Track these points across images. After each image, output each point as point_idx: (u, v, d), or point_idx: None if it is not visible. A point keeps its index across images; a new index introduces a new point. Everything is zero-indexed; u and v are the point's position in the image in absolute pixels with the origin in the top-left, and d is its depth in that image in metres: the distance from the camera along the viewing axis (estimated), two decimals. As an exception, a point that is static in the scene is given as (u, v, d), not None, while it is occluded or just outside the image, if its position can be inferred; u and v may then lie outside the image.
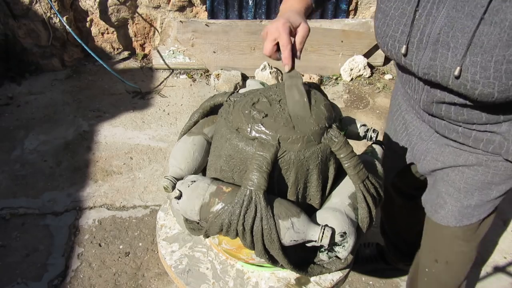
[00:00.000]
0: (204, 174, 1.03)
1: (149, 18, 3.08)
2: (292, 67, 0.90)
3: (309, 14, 1.02)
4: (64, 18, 2.73)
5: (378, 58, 3.14)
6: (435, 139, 1.10)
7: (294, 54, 0.90)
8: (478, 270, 1.83)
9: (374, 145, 1.08)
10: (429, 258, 1.27)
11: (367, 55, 3.09)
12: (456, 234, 1.15)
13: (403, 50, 0.89)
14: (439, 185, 1.13)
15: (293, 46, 0.89)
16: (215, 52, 2.97)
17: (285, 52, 0.88)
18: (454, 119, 0.97)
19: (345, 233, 0.83)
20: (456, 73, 0.80)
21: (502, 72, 0.76)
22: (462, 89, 0.83)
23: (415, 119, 1.15)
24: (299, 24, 0.90)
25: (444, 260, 1.23)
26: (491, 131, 0.96)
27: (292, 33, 0.89)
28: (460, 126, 0.99)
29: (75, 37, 2.72)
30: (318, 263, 0.96)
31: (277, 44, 0.89)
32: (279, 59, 0.92)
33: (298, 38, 0.90)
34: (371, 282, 1.77)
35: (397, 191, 1.41)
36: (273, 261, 0.87)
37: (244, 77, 2.96)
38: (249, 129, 0.85)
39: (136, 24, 3.09)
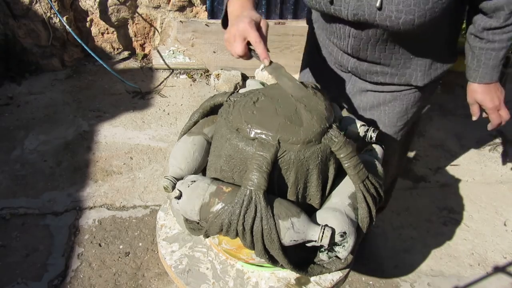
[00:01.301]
0: (204, 174, 1.03)
1: (149, 18, 3.08)
2: (271, 61, 0.94)
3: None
4: (64, 18, 2.73)
5: (378, 58, 3.14)
6: (354, 90, 1.27)
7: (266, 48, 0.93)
8: (478, 270, 1.84)
9: (374, 145, 1.08)
10: None
11: (367, 55, 3.09)
12: None
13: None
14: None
15: (264, 42, 0.92)
16: (215, 52, 2.97)
17: (260, 48, 0.90)
18: (376, 58, 1.12)
19: (345, 233, 0.83)
20: (378, 4, 0.92)
21: None
22: (388, 21, 0.95)
23: (335, 73, 1.28)
24: (260, 20, 0.92)
25: None
26: (404, 67, 1.15)
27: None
28: (380, 64, 1.15)
29: (75, 37, 2.72)
30: (318, 263, 0.96)
31: (247, 43, 0.92)
32: (250, 57, 0.95)
33: (264, 31, 0.92)
34: (371, 282, 1.77)
35: None
36: (273, 261, 0.87)
37: (244, 77, 2.96)
38: (249, 129, 0.85)
39: (136, 24, 3.09)
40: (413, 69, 1.16)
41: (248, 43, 0.92)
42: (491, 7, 1.00)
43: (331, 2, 1.00)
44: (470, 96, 1.18)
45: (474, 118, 1.22)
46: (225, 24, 1.03)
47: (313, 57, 1.35)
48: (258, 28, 0.91)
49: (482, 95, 1.14)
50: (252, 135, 0.85)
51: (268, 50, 0.92)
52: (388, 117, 1.28)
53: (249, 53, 0.94)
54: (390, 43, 1.07)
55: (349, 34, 1.09)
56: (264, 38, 0.92)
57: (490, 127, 1.19)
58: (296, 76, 1.32)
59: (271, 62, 0.94)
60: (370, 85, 1.24)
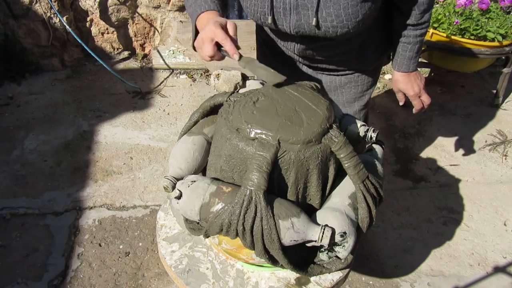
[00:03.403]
0: (204, 174, 1.03)
1: (149, 18, 3.08)
2: (241, 55, 0.97)
3: None
4: (64, 18, 2.73)
5: (378, 58, 3.14)
6: (310, 71, 1.34)
7: (236, 46, 0.97)
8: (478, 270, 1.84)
9: (374, 145, 1.08)
10: None
11: (367, 55, 3.09)
12: None
13: (269, 20, 1.09)
14: None
15: (232, 40, 0.96)
16: (215, 52, 2.96)
17: (227, 45, 0.95)
18: (322, 55, 1.24)
19: (345, 233, 0.83)
20: (314, 23, 1.04)
21: (350, 14, 1.02)
22: (327, 34, 1.07)
23: (287, 64, 1.36)
24: (225, 22, 0.98)
25: None
26: (348, 57, 1.25)
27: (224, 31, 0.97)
28: (326, 58, 1.25)
29: (75, 37, 2.72)
30: (318, 263, 0.96)
31: (216, 44, 0.97)
32: (222, 57, 0.99)
33: (232, 32, 0.98)
34: (371, 282, 1.77)
35: None
36: (273, 261, 0.87)
37: (244, 77, 2.96)
38: (249, 129, 0.85)
39: (136, 24, 3.09)
40: (360, 58, 1.27)
41: (219, 44, 0.97)
42: (407, 8, 1.15)
43: (275, 24, 1.10)
44: (394, 85, 1.31)
45: (401, 103, 1.34)
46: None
47: (263, 52, 1.43)
48: (225, 29, 0.97)
49: (403, 84, 1.27)
50: (252, 135, 0.85)
51: (238, 48, 0.97)
52: (346, 98, 1.37)
53: (220, 53, 0.98)
54: (333, 45, 1.19)
55: (294, 40, 1.19)
56: (231, 36, 0.96)
57: (414, 111, 1.32)
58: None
59: (241, 57, 0.97)
60: (325, 70, 1.34)
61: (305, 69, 1.36)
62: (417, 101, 1.29)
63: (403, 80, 1.27)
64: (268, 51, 1.40)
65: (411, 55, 1.23)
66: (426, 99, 1.29)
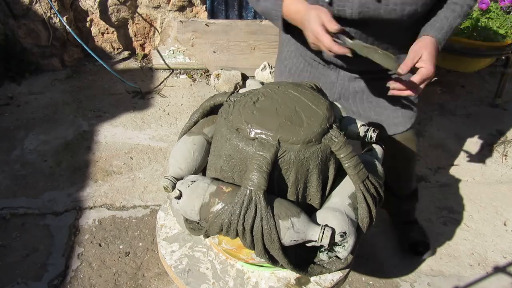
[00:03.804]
0: (204, 174, 1.03)
1: (149, 18, 3.08)
2: (349, 46, 1.00)
3: None
4: (64, 18, 2.73)
5: (378, 58, 3.13)
6: (343, 78, 1.28)
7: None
8: (478, 270, 1.84)
9: (374, 145, 1.08)
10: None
11: (367, 55, 3.08)
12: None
13: (327, 0, 1.03)
14: (369, 113, 1.33)
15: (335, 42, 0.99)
16: (215, 52, 2.97)
17: (334, 50, 0.98)
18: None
19: (345, 233, 0.84)
20: None
21: None
22: (393, 13, 1.00)
23: (321, 69, 1.31)
24: (322, 22, 0.98)
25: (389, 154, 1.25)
26: (399, 55, 1.13)
27: None
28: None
29: (75, 37, 2.72)
30: (318, 263, 0.96)
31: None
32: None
33: (332, 27, 0.98)
34: (371, 282, 1.77)
35: None
36: (273, 261, 0.87)
37: (244, 77, 2.96)
38: (249, 129, 0.85)
39: (136, 24, 3.09)
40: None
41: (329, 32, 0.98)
42: None
43: (330, 3, 1.03)
44: (417, 49, 1.04)
45: (402, 71, 1.03)
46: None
47: (292, 59, 1.37)
48: (324, 27, 0.98)
49: (429, 55, 1.03)
50: (252, 135, 0.85)
51: (344, 31, 0.98)
52: (389, 102, 1.31)
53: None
54: (386, 36, 1.13)
55: (351, 26, 1.09)
56: (328, 31, 0.97)
57: (413, 79, 1.06)
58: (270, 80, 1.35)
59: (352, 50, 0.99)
60: (361, 73, 1.28)
61: (342, 74, 1.28)
62: (421, 75, 1.04)
63: (429, 52, 1.04)
64: (297, 53, 1.33)
65: (450, 24, 1.07)
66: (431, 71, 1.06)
